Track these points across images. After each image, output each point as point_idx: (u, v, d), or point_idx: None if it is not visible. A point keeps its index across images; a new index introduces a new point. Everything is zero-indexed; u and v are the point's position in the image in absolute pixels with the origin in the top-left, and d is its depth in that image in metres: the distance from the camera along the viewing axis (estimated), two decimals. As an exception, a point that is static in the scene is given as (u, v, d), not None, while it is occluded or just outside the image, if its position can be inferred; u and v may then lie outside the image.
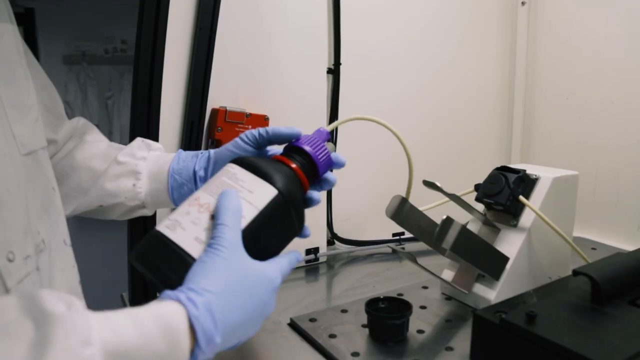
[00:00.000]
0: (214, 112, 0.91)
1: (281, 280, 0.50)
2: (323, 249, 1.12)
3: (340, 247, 1.17)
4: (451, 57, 1.28)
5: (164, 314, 0.41)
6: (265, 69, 0.96)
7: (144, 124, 0.86)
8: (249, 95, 0.95)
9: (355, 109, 1.13)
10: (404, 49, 1.20)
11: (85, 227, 1.91)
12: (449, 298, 0.89)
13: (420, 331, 0.76)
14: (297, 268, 1.09)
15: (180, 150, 0.70)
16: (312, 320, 0.80)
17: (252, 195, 0.50)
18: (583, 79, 1.22)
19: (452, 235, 0.72)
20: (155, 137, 0.87)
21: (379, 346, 0.72)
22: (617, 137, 1.16)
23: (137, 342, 0.39)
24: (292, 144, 0.58)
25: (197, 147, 0.90)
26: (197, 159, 0.68)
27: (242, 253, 0.48)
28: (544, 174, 0.85)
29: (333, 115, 1.09)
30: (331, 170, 0.61)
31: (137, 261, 0.49)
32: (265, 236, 0.51)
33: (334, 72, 1.07)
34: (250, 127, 0.93)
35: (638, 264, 0.65)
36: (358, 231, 1.20)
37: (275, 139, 0.61)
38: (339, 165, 0.61)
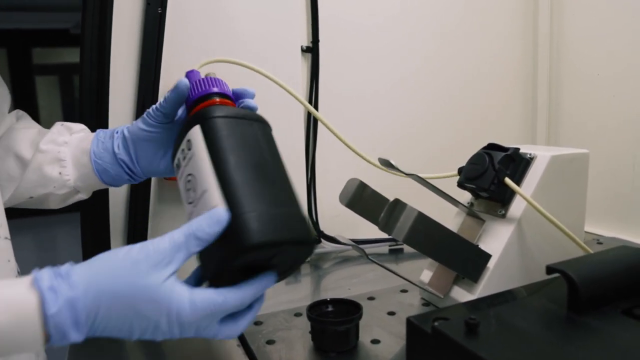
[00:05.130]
0: (168, 93, 0.84)
1: (190, 320, 0.41)
2: (305, 247, 1.01)
3: (326, 246, 1.05)
4: (460, 26, 1.13)
5: (16, 301, 0.38)
6: (227, 47, 0.88)
7: (93, 104, 0.81)
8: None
9: (340, 89, 1.03)
10: (400, 19, 1.07)
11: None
12: (427, 304, 0.74)
13: (375, 341, 0.63)
14: (276, 267, 0.99)
15: (99, 131, 0.65)
16: (258, 323, 0.70)
17: None
18: (614, 48, 1.02)
19: (405, 223, 0.58)
20: (105, 118, 0.82)
21: (318, 357, 0.61)
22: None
23: None
24: (194, 99, 0.55)
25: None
26: (113, 139, 0.63)
27: (161, 269, 0.41)
28: (543, 152, 0.69)
29: (312, 97, 0.98)
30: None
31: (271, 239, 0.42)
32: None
33: (312, 50, 0.97)
34: (206, 108, 0.85)
35: (642, 260, 0.49)
36: (350, 229, 1.08)
37: (173, 106, 0.58)
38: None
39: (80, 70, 0.80)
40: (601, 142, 1.05)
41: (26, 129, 0.69)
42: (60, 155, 0.64)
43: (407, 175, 0.63)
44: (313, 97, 0.98)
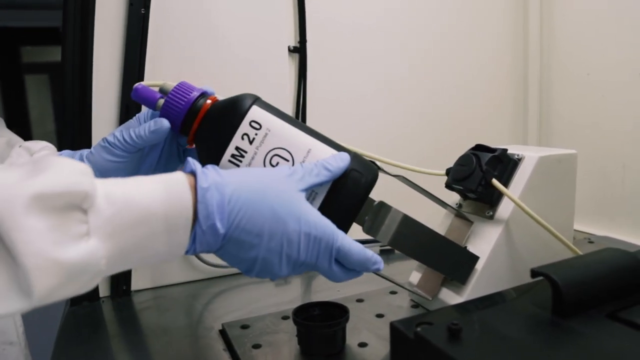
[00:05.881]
0: (153, 94, 0.83)
1: (317, 232, 0.45)
2: (294, 248, 1.00)
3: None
4: (450, 28, 1.13)
5: (170, 178, 0.41)
6: (212, 49, 0.87)
7: (76, 106, 0.79)
8: (195, 77, 0.84)
9: (329, 90, 1.02)
10: (391, 20, 1.06)
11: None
12: (415, 305, 0.74)
13: (362, 344, 0.63)
14: (265, 269, 0.98)
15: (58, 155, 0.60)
16: (244, 327, 0.69)
17: None
18: (604, 48, 1.02)
19: (390, 226, 0.58)
20: (88, 122, 0.80)
21: (305, 361, 0.60)
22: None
23: (137, 194, 0.38)
24: (189, 105, 0.53)
25: (134, 133, 0.82)
26: None
27: (293, 186, 0.45)
28: (531, 153, 0.69)
29: (300, 97, 0.97)
30: None
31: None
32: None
33: (300, 50, 0.96)
34: (192, 110, 0.83)
35: (627, 263, 0.48)
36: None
37: (150, 142, 0.55)
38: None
39: (62, 72, 0.78)
40: (592, 142, 1.05)
41: None
42: None
43: (394, 176, 0.63)
44: (301, 97, 0.97)
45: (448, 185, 0.71)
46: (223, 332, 0.70)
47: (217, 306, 0.83)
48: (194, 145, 0.55)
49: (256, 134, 0.50)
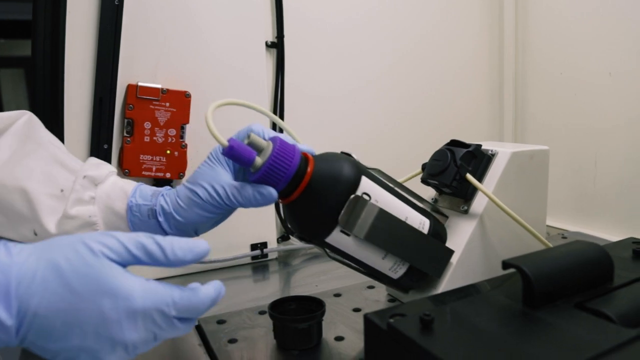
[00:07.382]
0: (127, 88, 0.82)
1: (144, 304, 0.37)
2: (273, 244, 1.00)
3: (295, 242, 1.05)
4: (428, 29, 1.14)
5: None
6: (188, 43, 0.86)
7: (47, 101, 0.78)
8: (171, 71, 0.85)
9: (307, 86, 1.02)
10: (369, 19, 1.07)
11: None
12: (392, 300, 0.75)
13: (339, 338, 0.63)
14: (243, 265, 0.98)
15: (132, 205, 0.56)
16: (221, 322, 0.69)
17: None
18: (576, 48, 1.04)
19: (365, 220, 0.58)
20: (60, 115, 0.78)
21: (281, 355, 0.60)
22: (617, 115, 0.98)
23: None
24: (294, 169, 0.51)
25: (108, 127, 0.81)
26: (160, 226, 0.55)
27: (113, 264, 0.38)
28: (504, 149, 0.70)
29: (277, 93, 0.97)
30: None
31: None
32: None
33: (277, 45, 0.95)
34: (167, 104, 0.82)
35: (595, 255, 0.49)
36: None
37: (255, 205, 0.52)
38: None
39: (33, 65, 0.76)
40: (565, 140, 1.08)
41: (33, 152, 0.59)
42: (92, 219, 0.57)
43: (370, 169, 0.63)
44: (278, 93, 0.96)
45: (424, 180, 0.72)
46: (199, 327, 0.69)
47: (193, 302, 0.82)
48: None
49: None
